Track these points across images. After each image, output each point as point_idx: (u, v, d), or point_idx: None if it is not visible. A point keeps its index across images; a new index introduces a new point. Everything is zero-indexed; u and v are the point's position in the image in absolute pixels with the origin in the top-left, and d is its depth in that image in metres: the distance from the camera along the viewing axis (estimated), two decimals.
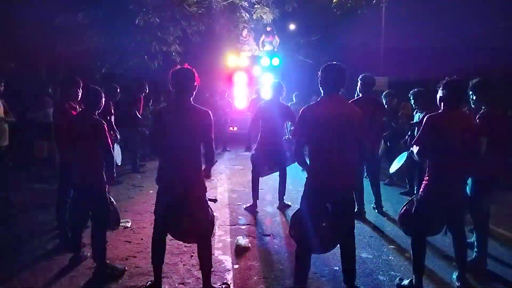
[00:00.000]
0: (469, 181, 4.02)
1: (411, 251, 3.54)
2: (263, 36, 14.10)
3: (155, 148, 3.45)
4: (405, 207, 3.61)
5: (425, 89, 6.23)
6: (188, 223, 3.34)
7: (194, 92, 3.37)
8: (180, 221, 3.35)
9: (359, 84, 5.59)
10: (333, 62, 3.34)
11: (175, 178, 3.30)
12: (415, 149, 3.52)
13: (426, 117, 3.42)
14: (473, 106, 4.11)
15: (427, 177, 3.44)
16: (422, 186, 3.48)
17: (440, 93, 3.45)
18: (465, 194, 4.03)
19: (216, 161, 3.43)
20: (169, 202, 3.32)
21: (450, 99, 3.38)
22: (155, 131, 3.40)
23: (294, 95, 11.40)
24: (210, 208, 3.50)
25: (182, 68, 3.38)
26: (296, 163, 5.67)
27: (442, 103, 3.43)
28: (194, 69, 3.38)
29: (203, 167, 3.45)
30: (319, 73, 3.32)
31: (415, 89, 6.18)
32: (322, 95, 3.33)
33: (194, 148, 3.31)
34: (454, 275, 3.63)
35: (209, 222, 3.44)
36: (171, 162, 3.32)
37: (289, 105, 10.39)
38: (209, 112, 3.35)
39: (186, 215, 3.32)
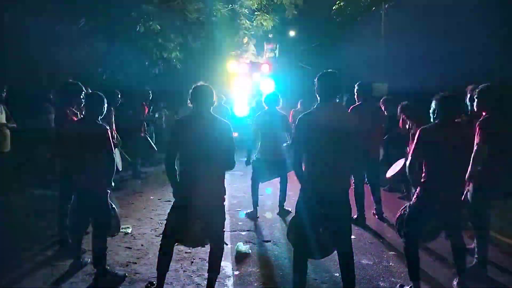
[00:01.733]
0: (470, 188, 4.03)
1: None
2: (265, 44, 14.19)
3: (171, 157, 3.44)
4: (399, 213, 3.63)
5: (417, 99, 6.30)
6: (206, 230, 3.38)
7: (212, 107, 3.46)
8: (194, 227, 3.36)
9: (355, 91, 5.62)
10: (329, 70, 3.38)
11: (197, 190, 3.30)
12: (407, 162, 3.56)
13: (418, 130, 3.47)
14: (475, 110, 4.12)
15: (420, 186, 3.46)
16: (415, 193, 3.50)
17: (432, 107, 3.51)
18: (466, 201, 4.05)
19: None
20: (187, 214, 3.33)
21: (442, 113, 3.42)
22: (173, 143, 3.43)
23: (299, 102, 11.43)
24: None
25: (203, 85, 3.46)
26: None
27: (434, 116, 3.49)
28: (211, 87, 3.49)
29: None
30: (316, 80, 3.36)
31: (404, 102, 6.27)
32: (318, 102, 3.36)
33: (216, 159, 3.34)
34: (455, 281, 3.63)
35: (224, 227, 3.51)
36: (192, 173, 3.34)
37: (292, 111, 10.45)
38: (229, 123, 3.45)
39: (205, 223, 3.36)
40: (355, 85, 5.64)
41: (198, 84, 3.49)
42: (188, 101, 3.44)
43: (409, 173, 3.57)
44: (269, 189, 6.63)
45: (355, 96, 5.66)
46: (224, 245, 3.53)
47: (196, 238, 3.48)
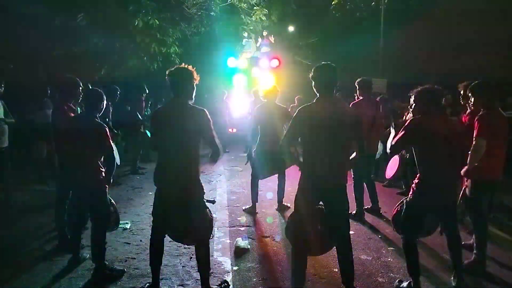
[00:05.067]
0: (468, 182, 4.04)
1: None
2: (260, 40, 14.16)
3: (156, 147, 3.45)
4: (396, 209, 3.64)
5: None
6: (185, 225, 3.33)
7: (194, 92, 3.35)
8: (177, 222, 3.35)
9: (356, 88, 5.63)
10: (323, 62, 3.36)
11: (172, 180, 3.29)
12: (389, 142, 3.54)
13: (409, 120, 3.46)
14: (471, 108, 4.13)
15: (415, 181, 3.46)
16: (411, 189, 3.50)
17: (412, 100, 3.51)
18: (465, 196, 4.06)
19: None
20: (166, 204, 3.32)
21: (421, 106, 3.42)
22: (153, 132, 3.45)
23: (296, 98, 11.43)
24: (209, 210, 3.49)
25: (177, 68, 3.35)
26: (295, 165, 5.68)
27: (412, 110, 3.49)
28: (192, 67, 3.34)
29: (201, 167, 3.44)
30: (311, 74, 3.33)
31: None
32: (317, 96, 3.34)
33: (191, 149, 3.30)
34: (452, 277, 3.64)
35: (208, 224, 3.43)
36: (168, 164, 3.32)
37: (291, 106, 10.44)
38: (205, 110, 3.32)
39: (183, 217, 3.31)
40: (356, 81, 5.64)
41: (174, 68, 3.35)
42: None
43: (390, 151, 3.60)
44: (270, 193, 6.60)
45: (356, 92, 5.66)
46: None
47: (186, 236, 3.46)
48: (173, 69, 3.35)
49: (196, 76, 3.34)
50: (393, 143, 3.51)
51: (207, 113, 3.31)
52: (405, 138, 3.40)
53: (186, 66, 3.37)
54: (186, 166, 3.29)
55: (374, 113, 5.50)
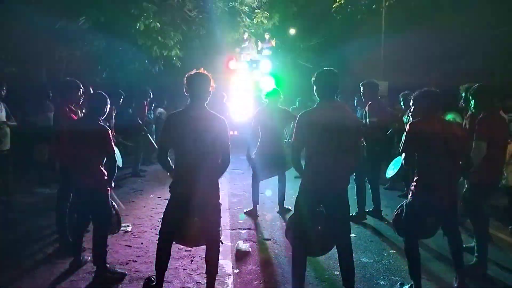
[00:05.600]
0: (468, 184, 4.04)
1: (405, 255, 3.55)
2: (260, 43, 14.17)
3: (162, 154, 3.40)
4: (397, 211, 3.64)
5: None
6: (201, 229, 3.35)
7: (209, 98, 3.37)
8: (192, 227, 3.35)
9: (362, 89, 5.62)
10: (326, 68, 3.39)
11: (193, 184, 3.26)
12: (402, 156, 3.57)
13: (408, 124, 3.47)
14: (472, 111, 4.14)
15: (414, 183, 3.46)
16: (410, 191, 3.50)
17: (412, 103, 3.55)
18: (465, 198, 4.06)
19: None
20: (183, 210, 3.30)
21: (420, 109, 3.46)
22: (164, 137, 3.38)
23: (297, 100, 11.45)
24: None
25: (198, 73, 3.36)
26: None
27: (411, 113, 3.51)
28: (209, 74, 3.38)
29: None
30: (313, 79, 3.35)
31: (405, 92, 6.23)
32: (318, 101, 3.36)
33: (210, 155, 3.30)
34: (454, 279, 3.63)
35: (220, 225, 3.48)
36: (186, 169, 3.30)
37: (291, 108, 10.45)
38: (224, 119, 3.36)
39: (200, 221, 3.33)
40: (361, 83, 5.64)
41: (193, 72, 3.36)
42: (184, 91, 3.35)
43: (405, 165, 3.59)
44: (269, 191, 6.60)
45: (361, 95, 5.67)
46: (225, 244, 3.50)
47: (193, 238, 3.46)
48: (192, 73, 3.36)
49: (213, 83, 3.38)
50: (403, 157, 3.55)
51: (226, 122, 3.36)
52: (409, 144, 3.43)
53: (204, 72, 3.38)
54: (205, 171, 3.28)
55: (386, 116, 5.56)
